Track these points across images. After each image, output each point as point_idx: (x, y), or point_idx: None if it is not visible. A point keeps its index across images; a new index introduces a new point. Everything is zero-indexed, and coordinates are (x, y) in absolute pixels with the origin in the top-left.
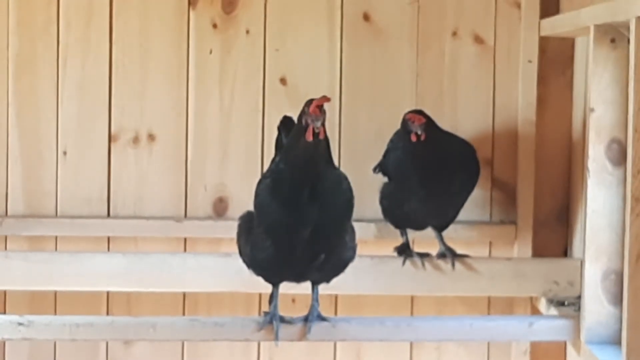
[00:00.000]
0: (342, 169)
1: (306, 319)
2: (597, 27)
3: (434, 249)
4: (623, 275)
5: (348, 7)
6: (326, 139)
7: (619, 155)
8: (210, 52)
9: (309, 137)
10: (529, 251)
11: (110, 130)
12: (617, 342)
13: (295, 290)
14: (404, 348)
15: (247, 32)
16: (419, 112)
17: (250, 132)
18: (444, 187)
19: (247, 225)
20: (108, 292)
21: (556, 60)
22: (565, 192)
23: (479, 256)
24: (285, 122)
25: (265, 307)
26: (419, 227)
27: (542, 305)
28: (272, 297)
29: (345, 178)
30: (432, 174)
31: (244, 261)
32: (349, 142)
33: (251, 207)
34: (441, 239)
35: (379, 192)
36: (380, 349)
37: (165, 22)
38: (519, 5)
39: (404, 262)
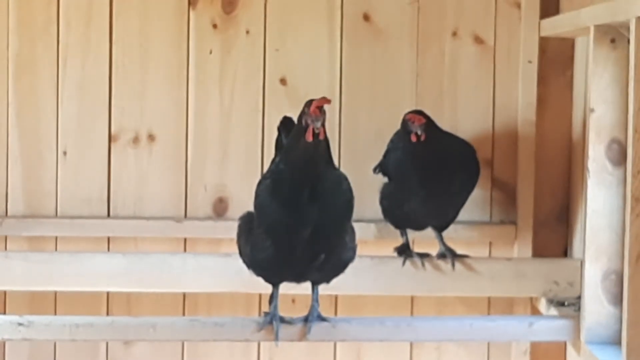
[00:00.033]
0: (342, 169)
1: (306, 320)
2: (597, 28)
3: (434, 249)
4: (623, 276)
5: (348, 7)
6: (326, 140)
7: (619, 155)
8: (210, 52)
9: (309, 138)
10: (529, 251)
11: (110, 131)
12: (617, 342)
13: (295, 291)
14: (404, 348)
15: (247, 32)
16: (419, 113)
17: (250, 132)
18: (444, 187)
19: (247, 226)
20: (108, 293)
21: (556, 60)
22: (565, 192)
23: (479, 256)
24: (285, 122)
25: (265, 308)
26: (419, 227)
27: (542, 305)
28: (272, 298)
29: (345, 178)
30: (432, 174)
31: (244, 261)
32: (349, 142)
33: (251, 208)
34: (441, 239)
35: (379, 192)
36: (380, 349)
37: (165, 22)
38: (519, 6)
39: (404, 263)
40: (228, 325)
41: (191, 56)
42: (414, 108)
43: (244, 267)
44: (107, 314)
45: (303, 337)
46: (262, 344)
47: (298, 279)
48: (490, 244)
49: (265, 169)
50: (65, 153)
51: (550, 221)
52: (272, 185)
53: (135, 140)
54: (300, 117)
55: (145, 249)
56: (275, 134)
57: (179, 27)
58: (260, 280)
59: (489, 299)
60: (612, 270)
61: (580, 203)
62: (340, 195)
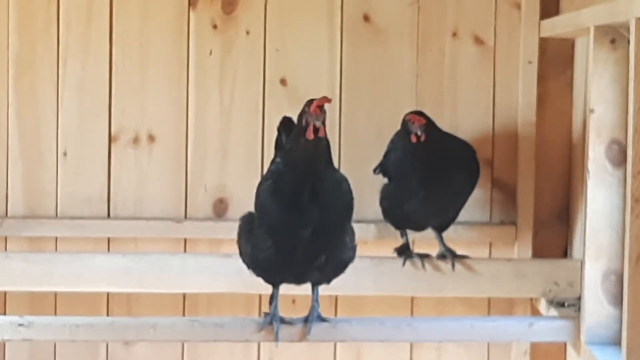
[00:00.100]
0: (342, 169)
1: (306, 320)
2: (597, 28)
3: (434, 250)
4: (623, 276)
5: (348, 7)
6: (326, 140)
7: (619, 155)
8: (210, 53)
9: (310, 135)
10: (529, 252)
11: (110, 131)
12: (617, 342)
13: (295, 291)
14: (404, 348)
15: (247, 32)
16: (419, 113)
17: (250, 132)
18: (444, 187)
19: (248, 226)
20: (108, 293)
21: (556, 60)
22: (565, 192)
23: (479, 257)
24: (285, 122)
25: (266, 308)
26: (419, 227)
27: (542, 306)
28: (272, 298)
29: (346, 179)
30: (432, 174)
31: (245, 262)
32: (349, 143)
33: (251, 208)
34: (441, 240)
35: (379, 192)
36: (380, 350)
37: (165, 23)
38: (519, 6)
39: (404, 263)
40: (228, 326)
41: (191, 56)
42: (414, 108)
43: (244, 267)
44: (107, 314)
45: (303, 337)
46: (262, 344)
47: (298, 279)
48: (490, 244)
49: (265, 169)
50: (65, 153)
51: (550, 221)
52: (272, 186)
53: (135, 140)
54: (300, 117)
55: (145, 249)
56: (275, 134)
57: (179, 27)
58: (261, 280)
59: (489, 299)
60: (612, 271)
61: (580, 203)
62: (341, 196)
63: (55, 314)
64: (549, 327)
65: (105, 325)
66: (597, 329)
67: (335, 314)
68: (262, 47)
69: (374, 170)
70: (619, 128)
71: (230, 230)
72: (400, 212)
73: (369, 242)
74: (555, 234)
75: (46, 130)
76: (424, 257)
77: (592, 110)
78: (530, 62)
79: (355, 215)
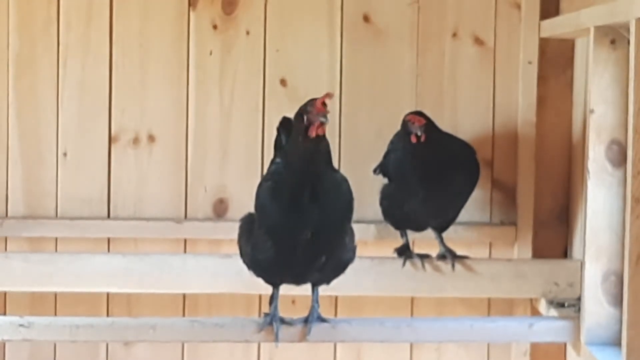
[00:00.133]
0: (342, 169)
1: (306, 320)
2: (597, 29)
3: (434, 250)
4: (623, 277)
5: (348, 7)
6: (327, 141)
7: (619, 156)
8: (211, 53)
9: (313, 134)
10: (529, 252)
11: (110, 131)
12: (617, 343)
13: (295, 292)
14: (404, 349)
15: (247, 32)
16: (419, 114)
17: (250, 132)
18: (444, 188)
19: (248, 227)
20: (108, 293)
21: (556, 61)
22: (565, 192)
23: (479, 257)
24: (285, 122)
25: (266, 309)
26: (419, 228)
27: (542, 306)
28: (273, 299)
29: (345, 180)
30: (432, 175)
31: (245, 262)
32: (349, 143)
33: (251, 208)
34: (441, 240)
35: (379, 193)
36: (380, 350)
37: (166, 23)
38: (519, 6)
39: (404, 263)
40: (228, 326)
41: (191, 57)
42: (414, 108)
43: (244, 267)
44: (107, 314)
45: (303, 338)
46: (262, 344)
47: (298, 280)
48: (490, 244)
49: (265, 169)
50: (65, 154)
51: (550, 222)
52: (272, 187)
53: (136, 140)
54: (299, 118)
55: (145, 249)
56: (275, 134)
57: (179, 27)
58: (261, 281)
59: (489, 299)
60: (612, 271)
61: (580, 204)
62: (341, 197)
63: (56, 314)
64: (549, 328)
65: (105, 325)
66: (597, 329)
67: (335, 315)
68: (262, 47)
69: (374, 171)
70: (619, 128)
71: (230, 230)
72: (400, 212)
73: (369, 242)
74: (555, 235)
75: (46, 130)
76: (424, 257)
77: (592, 111)
78: (530, 63)
79: (355, 216)
